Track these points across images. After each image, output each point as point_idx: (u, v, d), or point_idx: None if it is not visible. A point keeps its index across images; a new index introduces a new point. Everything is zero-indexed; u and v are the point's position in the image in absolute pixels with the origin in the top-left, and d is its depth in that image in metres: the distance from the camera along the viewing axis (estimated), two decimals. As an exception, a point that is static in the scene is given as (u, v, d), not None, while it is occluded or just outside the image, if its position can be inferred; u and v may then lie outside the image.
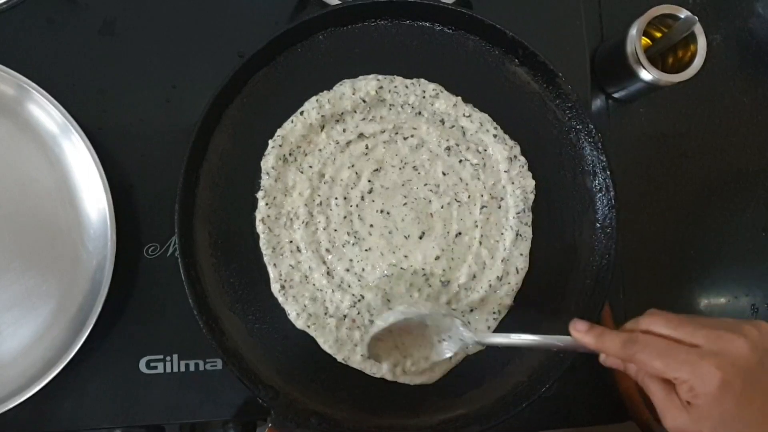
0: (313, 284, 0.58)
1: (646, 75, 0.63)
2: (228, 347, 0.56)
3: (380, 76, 0.60)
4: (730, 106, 0.72)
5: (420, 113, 0.60)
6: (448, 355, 0.56)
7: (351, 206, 0.59)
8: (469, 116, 0.60)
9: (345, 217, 0.59)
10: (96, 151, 0.58)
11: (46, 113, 0.59)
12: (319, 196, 0.59)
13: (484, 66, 0.61)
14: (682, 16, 0.62)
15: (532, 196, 0.60)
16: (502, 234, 0.60)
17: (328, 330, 0.57)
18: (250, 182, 0.59)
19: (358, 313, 0.58)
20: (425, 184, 0.60)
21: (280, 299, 0.58)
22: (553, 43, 0.66)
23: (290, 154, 0.59)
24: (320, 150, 0.59)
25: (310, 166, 0.59)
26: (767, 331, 0.43)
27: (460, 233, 0.59)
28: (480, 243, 0.59)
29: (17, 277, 0.59)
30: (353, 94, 0.60)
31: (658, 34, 0.67)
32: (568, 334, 0.48)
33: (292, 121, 0.59)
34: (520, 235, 0.60)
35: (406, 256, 0.59)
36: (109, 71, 0.64)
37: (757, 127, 0.73)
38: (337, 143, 0.59)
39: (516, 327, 0.59)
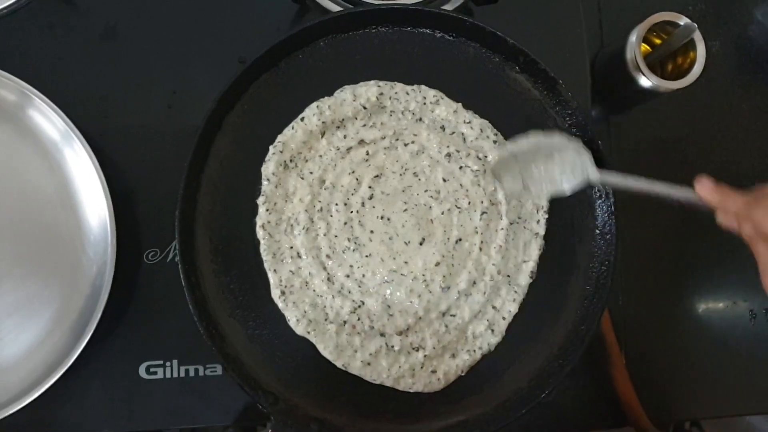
0: (314, 290, 0.58)
1: (646, 82, 0.63)
2: (228, 353, 0.56)
3: (381, 83, 0.61)
4: (730, 113, 0.73)
5: (420, 119, 0.61)
6: (567, 189, 0.55)
7: (351, 212, 0.59)
8: (469, 123, 0.60)
9: (345, 223, 0.59)
10: (97, 156, 0.58)
11: (48, 119, 0.59)
12: (319, 202, 0.59)
13: (485, 73, 0.62)
14: (682, 23, 0.63)
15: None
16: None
17: (328, 336, 0.57)
18: (250, 188, 0.59)
19: (359, 319, 0.58)
20: (426, 191, 0.60)
21: (281, 305, 0.58)
22: (553, 50, 0.66)
23: (291, 160, 0.59)
24: (321, 156, 0.60)
25: (311, 172, 0.59)
26: None
27: (460, 239, 0.59)
28: (480, 249, 0.59)
29: (18, 283, 0.59)
30: (354, 100, 0.60)
31: (658, 41, 0.67)
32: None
33: (292, 128, 0.59)
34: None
35: (406, 262, 0.59)
36: (110, 76, 0.64)
37: (756, 133, 0.73)
38: (338, 149, 0.60)
39: (517, 332, 0.59)
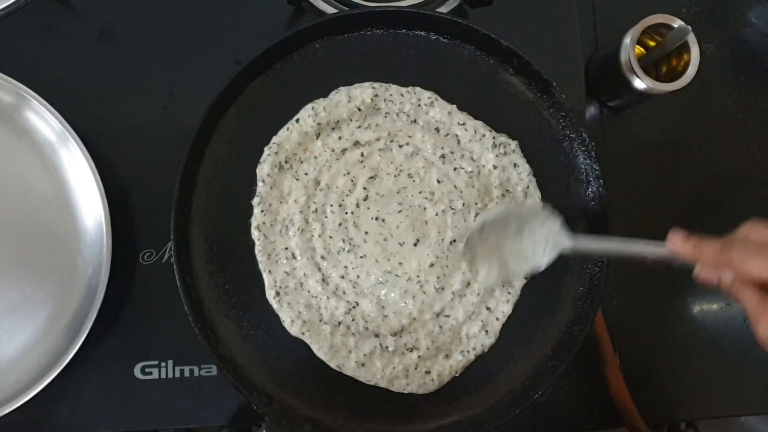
0: (308, 291, 0.59)
1: (640, 84, 0.64)
2: (223, 353, 0.56)
3: (376, 84, 0.61)
4: (724, 115, 0.73)
5: (415, 121, 0.61)
6: (544, 264, 0.54)
7: (346, 213, 0.59)
8: (463, 124, 0.61)
9: (340, 224, 0.59)
10: (92, 157, 0.59)
11: (44, 121, 0.59)
12: (314, 203, 0.59)
13: (479, 75, 0.62)
14: (676, 26, 0.63)
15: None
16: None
17: (323, 337, 0.58)
18: (245, 189, 0.59)
19: (353, 320, 0.58)
20: (420, 192, 0.60)
21: (275, 306, 0.58)
22: (547, 52, 0.66)
23: (286, 162, 0.59)
24: (316, 157, 0.60)
25: (306, 174, 0.60)
26: None
27: (454, 240, 0.60)
28: (474, 250, 0.60)
29: (14, 284, 0.59)
30: (349, 101, 0.60)
31: (652, 43, 0.67)
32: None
33: (287, 129, 0.60)
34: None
35: (400, 263, 0.59)
36: (106, 78, 0.64)
37: (750, 135, 0.73)
38: (333, 151, 0.60)
39: (511, 333, 0.60)
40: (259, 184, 0.59)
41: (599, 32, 0.72)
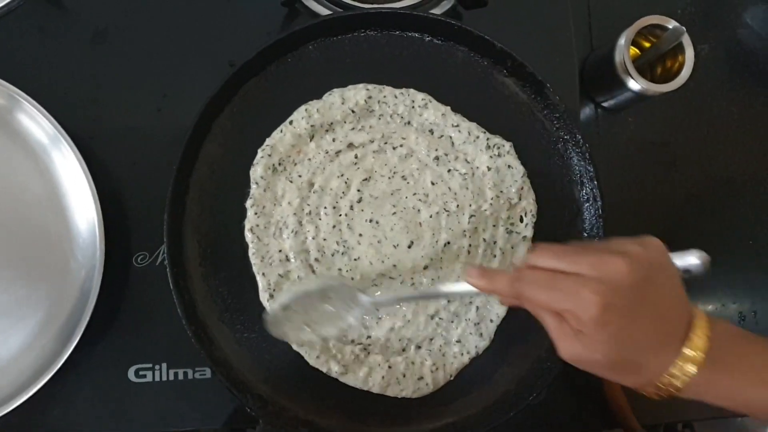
0: (302, 294, 0.58)
1: (635, 85, 0.63)
2: (217, 356, 0.56)
3: (370, 86, 0.61)
4: (719, 115, 0.73)
5: (409, 123, 0.61)
6: (354, 323, 0.55)
7: (340, 215, 0.59)
8: (457, 126, 0.61)
9: (334, 227, 0.59)
10: (85, 159, 0.58)
11: (37, 123, 0.59)
12: (308, 205, 0.59)
13: (473, 76, 0.62)
14: (671, 27, 0.63)
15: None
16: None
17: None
18: (239, 191, 0.59)
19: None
20: (414, 194, 0.60)
21: (269, 308, 0.58)
22: (542, 53, 0.66)
23: (279, 164, 0.59)
24: (309, 159, 0.60)
25: (300, 176, 0.59)
26: (653, 246, 0.43)
27: (448, 242, 0.59)
28: (468, 252, 0.60)
29: (6, 287, 0.59)
30: (343, 103, 0.60)
31: (647, 44, 0.67)
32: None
33: (281, 131, 0.60)
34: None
35: (395, 265, 0.59)
36: (100, 80, 0.64)
37: (745, 136, 0.73)
38: (327, 153, 0.60)
39: (506, 335, 0.60)
40: (253, 186, 0.59)
41: (594, 33, 0.72)
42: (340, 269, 0.58)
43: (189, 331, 0.55)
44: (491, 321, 0.60)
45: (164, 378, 0.61)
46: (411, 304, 0.58)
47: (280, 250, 0.59)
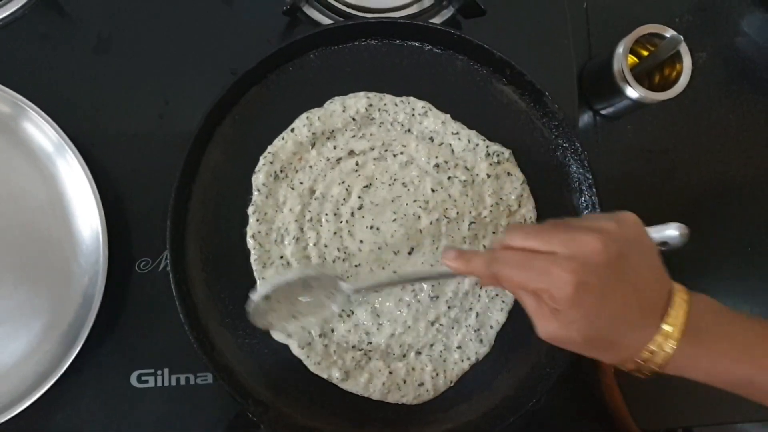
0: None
1: (633, 93, 0.64)
2: (218, 362, 0.56)
3: (370, 94, 0.61)
4: (716, 123, 0.73)
5: (409, 131, 0.61)
6: (336, 310, 0.55)
7: (341, 222, 0.60)
8: (457, 134, 0.61)
9: (335, 233, 0.59)
10: (89, 166, 0.59)
11: (41, 131, 0.60)
12: (309, 212, 0.60)
13: (473, 85, 0.62)
14: (668, 35, 0.64)
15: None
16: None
17: (316, 350, 0.58)
18: (241, 198, 0.59)
19: (348, 330, 0.58)
20: (414, 201, 0.60)
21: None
22: (541, 62, 0.67)
23: (281, 171, 0.60)
24: (311, 166, 0.60)
25: (301, 183, 0.60)
26: (629, 222, 0.43)
27: (448, 249, 0.60)
28: (468, 259, 0.60)
29: (9, 293, 0.60)
30: (343, 111, 0.61)
31: (645, 53, 0.68)
32: None
33: (283, 138, 0.60)
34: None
35: (395, 272, 0.59)
36: (103, 87, 0.64)
37: (743, 144, 0.74)
38: (328, 160, 0.60)
39: (505, 341, 0.60)
40: (255, 193, 0.59)
41: (592, 42, 0.72)
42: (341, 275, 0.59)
43: (191, 337, 0.55)
44: (491, 327, 0.60)
45: (166, 383, 0.61)
46: (412, 311, 0.59)
47: (281, 257, 0.59)
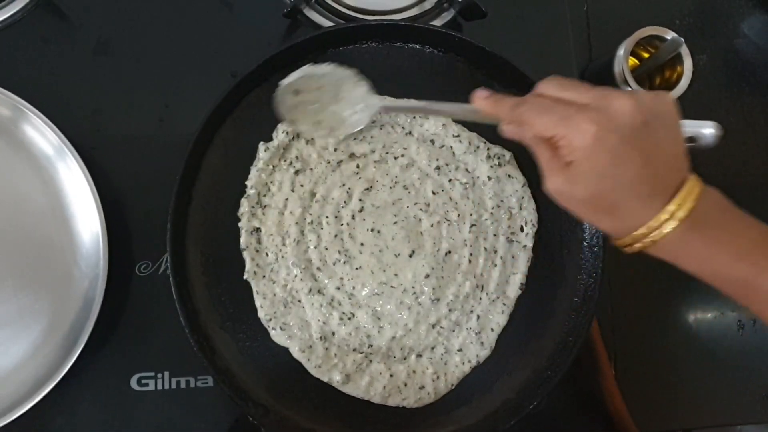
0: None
1: (633, 95, 0.64)
2: (219, 365, 0.56)
3: (370, 96, 0.61)
4: (717, 125, 0.73)
5: (410, 133, 0.61)
6: (359, 126, 0.56)
7: (342, 225, 0.60)
8: (458, 136, 0.61)
9: (336, 236, 0.59)
10: (89, 169, 0.59)
11: (42, 135, 0.60)
12: (310, 214, 0.60)
13: (474, 87, 0.61)
14: (669, 38, 0.64)
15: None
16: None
17: (316, 353, 0.58)
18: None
19: (348, 333, 0.58)
20: (415, 203, 0.60)
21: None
22: (542, 64, 0.67)
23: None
24: (312, 169, 0.60)
25: (302, 185, 0.60)
26: (665, 99, 0.43)
27: (449, 252, 0.60)
28: (469, 261, 0.60)
29: (9, 296, 0.59)
30: (344, 112, 0.61)
31: (646, 55, 0.68)
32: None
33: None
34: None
35: (396, 275, 0.59)
36: (103, 91, 0.64)
37: (743, 146, 0.74)
38: (329, 162, 0.60)
39: (506, 344, 0.60)
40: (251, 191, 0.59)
41: (593, 44, 0.72)
42: (341, 278, 0.59)
43: (191, 340, 0.55)
44: (492, 330, 0.60)
45: (167, 386, 0.61)
46: (413, 314, 0.59)
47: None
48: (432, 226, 0.60)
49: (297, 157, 0.60)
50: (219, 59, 0.65)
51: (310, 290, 0.58)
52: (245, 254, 0.58)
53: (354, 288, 0.59)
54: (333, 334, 0.58)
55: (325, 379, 0.58)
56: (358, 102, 0.55)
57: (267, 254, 0.59)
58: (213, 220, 0.59)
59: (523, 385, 0.59)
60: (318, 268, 0.59)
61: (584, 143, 0.40)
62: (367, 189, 0.60)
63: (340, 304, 0.59)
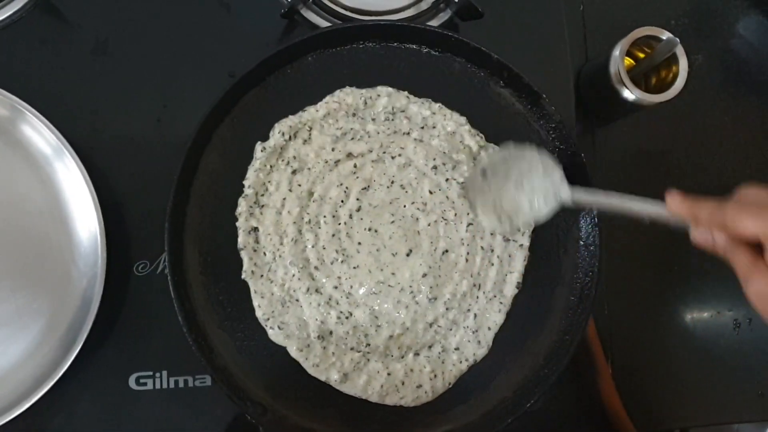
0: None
1: (629, 95, 0.64)
2: (217, 364, 0.57)
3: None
4: (712, 125, 0.74)
5: (407, 133, 0.61)
6: (546, 212, 0.55)
7: (339, 224, 0.60)
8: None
9: (333, 235, 0.60)
10: (87, 169, 0.59)
11: (40, 135, 0.60)
12: (308, 214, 0.60)
13: (470, 87, 0.63)
14: (664, 38, 0.64)
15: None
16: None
17: (314, 352, 0.58)
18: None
19: (346, 332, 0.58)
20: (412, 203, 0.60)
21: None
22: (538, 64, 0.67)
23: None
24: (309, 169, 0.60)
25: (299, 185, 0.60)
26: None
27: (446, 251, 0.60)
28: (466, 260, 0.60)
29: (7, 296, 0.60)
30: (342, 113, 0.61)
31: (642, 55, 0.68)
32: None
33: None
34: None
35: (393, 274, 0.59)
36: (101, 91, 0.64)
37: (739, 146, 0.74)
38: (326, 162, 0.60)
39: (503, 343, 0.60)
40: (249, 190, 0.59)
41: (589, 44, 0.73)
42: (339, 277, 0.59)
43: (189, 339, 0.55)
44: (489, 329, 0.60)
45: (165, 386, 0.61)
46: (410, 313, 0.59)
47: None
48: (429, 225, 0.60)
49: (294, 157, 0.60)
50: (217, 59, 0.65)
51: (308, 289, 0.58)
52: (243, 254, 0.58)
53: (351, 287, 0.59)
54: (330, 333, 0.58)
55: (323, 378, 0.58)
56: (544, 190, 0.54)
57: (265, 254, 0.59)
58: (211, 220, 0.59)
59: (520, 384, 0.59)
60: (316, 268, 0.59)
61: None
62: (365, 188, 0.60)
63: (337, 303, 0.59)
